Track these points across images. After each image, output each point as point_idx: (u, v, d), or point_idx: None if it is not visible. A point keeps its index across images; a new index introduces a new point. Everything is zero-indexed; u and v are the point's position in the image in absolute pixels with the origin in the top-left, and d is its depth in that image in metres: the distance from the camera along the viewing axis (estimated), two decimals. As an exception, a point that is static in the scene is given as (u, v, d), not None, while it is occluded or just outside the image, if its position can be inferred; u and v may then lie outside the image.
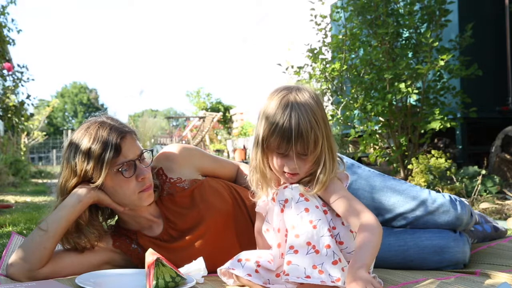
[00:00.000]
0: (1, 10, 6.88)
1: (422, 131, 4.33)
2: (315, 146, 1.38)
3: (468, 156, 5.11)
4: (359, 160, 6.00)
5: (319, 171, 1.41)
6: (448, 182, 3.91)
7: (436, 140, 5.47)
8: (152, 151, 1.77)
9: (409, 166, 4.12)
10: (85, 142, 1.62)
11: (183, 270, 1.58)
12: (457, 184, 3.78)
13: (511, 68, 5.41)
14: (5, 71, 6.67)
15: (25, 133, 10.97)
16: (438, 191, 2.25)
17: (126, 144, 1.65)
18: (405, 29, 4.33)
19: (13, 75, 6.85)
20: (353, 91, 4.35)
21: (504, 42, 5.44)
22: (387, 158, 4.56)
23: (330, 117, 4.55)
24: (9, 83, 6.86)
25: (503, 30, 5.44)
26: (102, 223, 1.79)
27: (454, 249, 1.75)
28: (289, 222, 1.39)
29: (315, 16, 4.46)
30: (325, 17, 4.49)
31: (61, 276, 1.67)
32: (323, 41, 4.51)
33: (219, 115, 11.06)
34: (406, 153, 4.43)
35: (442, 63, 3.89)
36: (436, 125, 4.10)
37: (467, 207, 1.82)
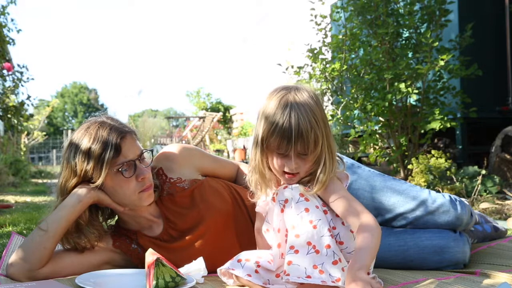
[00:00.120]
0: (1, 10, 6.87)
1: (422, 131, 4.33)
2: (315, 145, 1.38)
3: (468, 156, 5.11)
4: (359, 160, 6.00)
5: (319, 171, 1.41)
6: (448, 182, 3.91)
7: (436, 140, 5.47)
8: (152, 151, 1.77)
9: (409, 166, 4.12)
10: (85, 142, 1.62)
11: (183, 270, 1.58)
12: (457, 184, 3.78)
13: (511, 68, 5.41)
14: (5, 71, 6.67)
15: (25, 133, 10.98)
16: (438, 191, 2.25)
17: (126, 144, 1.65)
18: (405, 29, 4.33)
19: (13, 75, 6.85)
20: (353, 91, 4.35)
21: (504, 42, 5.44)
22: (387, 158, 4.56)
23: (330, 117, 4.56)
24: (9, 83, 6.86)
25: (503, 30, 5.44)
26: (102, 223, 1.79)
27: (454, 249, 1.75)
28: (289, 222, 1.39)
29: (315, 16, 4.46)
30: (325, 17, 4.49)
31: (61, 276, 1.67)
32: (323, 41, 4.51)
33: (219, 115, 11.06)
34: (406, 153, 4.43)
35: (442, 63, 3.89)
36: (436, 125, 4.10)
37: (467, 207, 1.82)
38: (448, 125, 4.13)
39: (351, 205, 1.39)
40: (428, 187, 3.76)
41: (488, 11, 5.45)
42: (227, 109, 16.60)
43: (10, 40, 7.00)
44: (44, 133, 13.40)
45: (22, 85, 6.92)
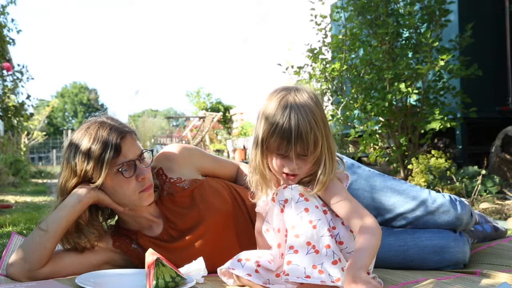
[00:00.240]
0: (1, 10, 6.87)
1: (422, 131, 4.33)
2: (315, 146, 1.38)
3: (468, 156, 5.11)
4: (359, 160, 6.00)
5: (319, 172, 1.41)
6: (448, 182, 3.91)
7: (436, 140, 5.47)
8: (152, 151, 1.77)
9: (409, 166, 4.12)
10: (85, 142, 1.62)
11: (183, 270, 1.58)
12: (457, 184, 3.78)
13: (511, 68, 5.41)
14: (4, 71, 6.67)
15: (25, 133, 10.98)
16: (438, 191, 2.25)
17: (126, 144, 1.65)
18: (405, 29, 4.33)
19: (13, 75, 6.85)
20: (353, 91, 4.35)
21: (504, 42, 5.44)
22: (387, 158, 4.56)
23: (330, 117, 4.56)
24: (9, 83, 6.86)
25: (503, 30, 5.44)
26: (102, 223, 1.79)
27: (454, 249, 1.75)
28: (289, 222, 1.39)
29: (315, 16, 4.46)
30: (325, 17, 4.49)
31: (61, 276, 1.67)
32: (323, 41, 4.51)
33: (219, 115, 11.06)
34: (406, 153, 4.43)
35: (442, 63, 3.89)
36: (436, 125, 4.10)
37: (467, 207, 1.82)
38: (448, 125, 4.13)
39: (354, 208, 1.39)
40: (428, 187, 3.76)
41: (488, 11, 5.45)
42: (227, 109, 16.60)
43: (10, 40, 7.00)
44: (44, 133, 13.40)
45: (22, 86, 6.92)
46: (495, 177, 4.02)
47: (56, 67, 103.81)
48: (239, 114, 15.38)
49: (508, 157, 4.51)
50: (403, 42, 4.41)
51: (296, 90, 1.43)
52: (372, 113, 4.31)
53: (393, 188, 1.83)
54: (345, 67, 4.32)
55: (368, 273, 1.31)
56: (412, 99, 4.37)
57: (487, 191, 3.85)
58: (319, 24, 4.49)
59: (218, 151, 12.47)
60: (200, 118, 10.94)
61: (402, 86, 4.02)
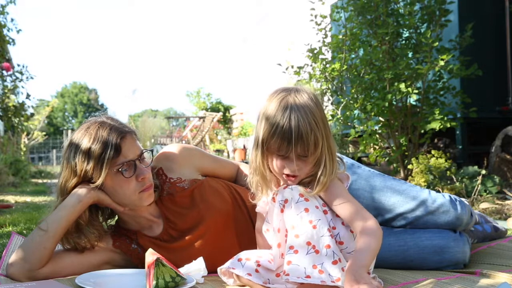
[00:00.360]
0: (1, 9, 6.87)
1: (422, 131, 4.33)
2: (315, 147, 1.38)
3: (468, 156, 5.11)
4: (359, 160, 6.00)
5: (319, 172, 1.41)
6: (448, 182, 3.91)
7: (436, 140, 5.47)
8: (152, 151, 1.77)
9: (409, 166, 4.12)
10: (85, 142, 1.62)
11: (183, 270, 1.58)
12: (457, 184, 3.78)
13: (511, 68, 5.41)
14: (4, 72, 6.67)
15: (25, 133, 10.98)
16: (438, 191, 2.25)
17: (126, 144, 1.65)
18: (405, 29, 4.33)
19: (13, 75, 6.85)
20: (353, 91, 4.35)
21: (504, 42, 5.44)
22: (387, 158, 4.56)
23: (330, 117, 4.56)
24: (8, 83, 6.86)
25: (503, 30, 5.44)
26: (102, 223, 1.79)
27: (454, 249, 1.75)
28: (289, 222, 1.39)
29: (315, 16, 4.46)
30: (325, 17, 4.49)
31: (61, 276, 1.67)
32: (323, 41, 4.51)
33: (219, 115, 11.06)
34: (406, 153, 4.43)
35: (442, 63, 3.89)
36: (436, 125, 4.10)
37: (467, 207, 1.82)
38: (448, 125, 4.13)
39: (357, 210, 1.39)
40: (428, 187, 3.76)
41: (488, 11, 5.45)
42: (227, 109, 16.61)
43: (10, 40, 6.99)
44: (44, 133, 13.40)
45: (22, 86, 6.92)
46: (495, 177, 4.02)
47: (56, 67, 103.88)
48: (239, 114, 15.39)
49: (508, 157, 4.51)
50: (403, 42, 4.41)
51: (296, 91, 1.43)
52: (372, 113, 4.31)
53: (393, 188, 1.83)
54: (345, 67, 4.32)
55: (369, 273, 1.32)
56: (412, 99, 4.37)
57: (487, 191, 3.85)
58: (319, 24, 4.49)
59: (218, 151, 12.47)
60: (200, 118, 10.94)
61: (402, 86, 4.02)
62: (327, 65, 4.44)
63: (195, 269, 1.59)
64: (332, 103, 4.98)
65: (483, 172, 3.90)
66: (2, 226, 3.00)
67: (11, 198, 4.99)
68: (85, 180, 1.65)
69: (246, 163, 2.04)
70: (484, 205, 3.32)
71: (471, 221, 1.84)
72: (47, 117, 14.23)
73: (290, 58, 7.02)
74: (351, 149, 6.89)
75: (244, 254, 1.50)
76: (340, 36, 4.34)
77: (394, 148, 4.45)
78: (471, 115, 4.39)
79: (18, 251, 1.62)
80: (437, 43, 3.97)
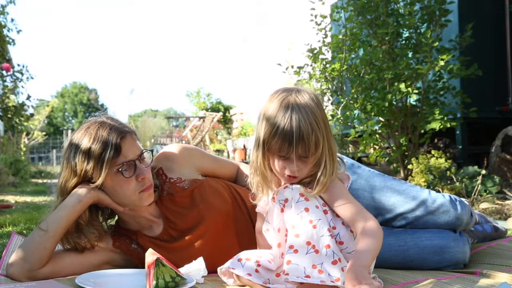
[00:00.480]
0: (1, 9, 6.87)
1: (422, 131, 4.33)
2: (316, 148, 1.38)
3: (468, 156, 5.11)
4: (359, 160, 6.00)
5: (319, 173, 1.41)
6: (448, 182, 3.91)
7: (436, 140, 5.47)
8: (152, 151, 1.77)
9: (409, 166, 4.12)
10: (85, 142, 1.62)
11: (183, 270, 1.58)
12: (457, 184, 3.78)
13: (511, 68, 5.41)
14: (4, 72, 6.67)
15: (25, 133, 10.98)
16: (438, 191, 2.25)
17: (126, 144, 1.65)
18: (405, 29, 4.33)
19: (13, 76, 6.85)
20: (353, 91, 4.35)
21: (504, 42, 5.44)
22: (387, 158, 4.56)
23: (330, 117, 4.56)
24: (9, 83, 6.86)
25: (503, 30, 5.44)
26: (102, 223, 1.79)
27: (454, 249, 1.75)
28: (289, 222, 1.39)
29: (315, 16, 4.46)
30: (325, 17, 4.49)
31: (61, 276, 1.67)
32: (323, 41, 4.51)
33: (219, 115, 11.06)
34: (406, 153, 4.43)
35: (442, 63, 3.89)
36: (436, 125, 4.10)
37: (467, 207, 1.82)
38: (448, 125, 4.13)
39: (358, 211, 1.39)
40: (428, 187, 3.76)
41: (488, 11, 5.45)
42: (227, 109, 16.61)
43: (10, 40, 7.00)
44: (44, 133, 13.40)
45: (22, 86, 6.92)
46: (495, 177, 4.02)
47: (56, 67, 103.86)
48: (239, 114, 15.39)
49: (508, 157, 4.51)
50: (403, 42, 4.41)
51: (297, 91, 1.42)
52: (372, 113, 4.31)
53: (393, 188, 1.83)
54: (345, 67, 4.32)
55: (369, 273, 1.31)
56: (412, 99, 4.37)
57: (487, 191, 3.85)
58: (319, 24, 4.49)
59: (218, 151, 12.47)
60: (200, 118, 10.94)
61: (402, 86, 4.02)
62: (327, 65, 4.44)
63: (195, 269, 1.59)
64: (332, 103, 4.98)
65: (483, 172, 3.90)
66: (2, 226, 3.00)
67: (11, 198, 4.99)
68: (85, 180, 1.65)
69: (246, 163, 2.04)
70: (484, 205, 3.32)
71: (471, 221, 1.84)
72: (47, 117, 14.23)
73: (290, 58, 7.02)
74: (351, 149, 6.89)
75: (244, 254, 1.50)
76: (340, 36, 4.34)
77: (394, 148, 4.45)
78: (471, 115, 4.39)
79: (18, 251, 1.62)
80: (437, 43, 3.97)
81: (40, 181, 8.68)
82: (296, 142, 1.35)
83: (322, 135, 1.39)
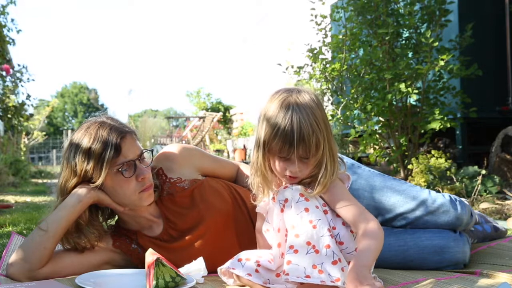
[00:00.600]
0: (1, 10, 6.87)
1: (422, 131, 4.33)
2: (316, 149, 1.38)
3: (468, 156, 5.11)
4: (359, 160, 6.00)
5: (320, 173, 1.40)
6: (448, 182, 3.91)
7: (436, 140, 5.47)
8: (152, 151, 1.77)
9: (409, 166, 4.12)
10: (85, 142, 1.62)
11: (183, 270, 1.58)
12: (457, 184, 3.78)
13: (511, 68, 5.41)
14: (3, 73, 6.67)
15: (24, 133, 10.97)
16: (438, 191, 2.25)
17: (126, 144, 1.65)
18: (405, 29, 4.33)
19: (13, 76, 6.85)
20: (353, 91, 4.35)
21: (504, 42, 5.44)
22: (387, 158, 4.56)
23: (330, 117, 4.56)
24: (9, 83, 6.86)
25: (503, 30, 5.44)
26: (102, 223, 1.79)
27: (454, 249, 1.75)
28: (289, 222, 1.39)
29: (315, 16, 4.46)
30: (325, 17, 4.49)
31: (61, 276, 1.67)
32: (323, 41, 4.51)
33: (219, 115, 11.06)
34: (406, 153, 4.43)
35: (442, 63, 3.89)
36: (436, 125, 4.10)
37: (467, 207, 1.82)
38: (448, 125, 4.13)
39: (360, 213, 1.39)
40: (428, 187, 3.76)
41: (488, 11, 5.45)
42: (227, 109, 16.61)
43: (10, 40, 7.00)
44: (44, 133, 13.40)
45: (22, 86, 6.92)
46: (495, 177, 4.02)
47: (56, 67, 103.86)
48: (239, 114, 15.39)
49: (508, 157, 4.51)
50: (403, 42, 4.41)
51: (298, 91, 1.42)
52: (372, 113, 4.31)
53: (393, 188, 1.83)
54: (345, 67, 4.32)
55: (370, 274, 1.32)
56: (412, 99, 4.37)
57: (487, 191, 3.85)
58: (319, 24, 4.49)
59: (218, 151, 12.47)
60: (200, 118, 10.93)
61: (402, 86, 4.02)
62: (327, 65, 4.44)
63: (195, 269, 1.59)
64: (332, 103, 4.99)
65: (483, 172, 3.90)
66: (2, 226, 3.00)
67: (11, 198, 4.99)
68: (85, 180, 1.65)
69: (246, 163, 2.04)
70: (484, 205, 3.32)
71: (471, 221, 1.84)
72: (47, 117, 14.23)
73: (290, 58, 7.02)
74: (351, 149, 6.89)
75: (244, 254, 1.50)
76: (340, 36, 4.34)
77: (394, 148, 4.45)
78: (471, 115, 4.39)
79: (18, 251, 1.62)
80: (437, 43, 3.96)
81: (40, 181, 8.68)
82: (296, 143, 1.35)
83: (323, 136, 1.38)
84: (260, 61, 13.96)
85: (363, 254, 1.31)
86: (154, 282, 1.44)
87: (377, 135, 4.49)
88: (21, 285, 1.50)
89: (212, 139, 13.62)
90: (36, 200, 4.88)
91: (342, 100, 4.54)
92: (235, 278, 1.51)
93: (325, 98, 5.27)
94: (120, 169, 1.63)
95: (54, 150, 22.27)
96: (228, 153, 12.36)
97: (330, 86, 4.62)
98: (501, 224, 2.33)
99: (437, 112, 4.13)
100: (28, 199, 5.03)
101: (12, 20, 7.12)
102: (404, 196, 1.81)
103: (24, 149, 10.77)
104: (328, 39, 4.54)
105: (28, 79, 6.93)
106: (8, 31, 6.98)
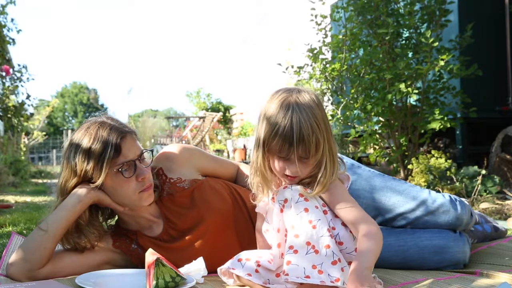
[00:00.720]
0: (1, 9, 6.87)
1: (422, 131, 4.33)
2: (316, 149, 1.38)
3: (468, 156, 5.11)
4: (359, 160, 6.00)
5: (320, 174, 1.40)
6: (448, 182, 3.91)
7: (436, 140, 5.47)
8: (152, 151, 1.77)
9: (409, 166, 4.12)
10: (85, 142, 1.62)
11: (183, 270, 1.58)
12: (457, 184, 3.78)
13: (511, 68, 5.41)
14: (3, 73, 6.67)
15: (24, 133, 10.98)
16: (438, 191, 2.25)
17: (126, 144, 1.65)
18: (405, 29, 4.33)
19: (13, 76, 6.85)
20: (353, 91, 4.35)
21: (504, 42, 5.44)
22: (387, 158, 4.56)
23: (330, 117, 4.56)
24: (9, 83, 6.86)
25: (503, 30, 5.44)
26: (102, 223, 1.79)
27: (454, 249, 1.75)
28: (289, 222, 1.39)
29: (315, 16, 4.46)
30: (325, 17, 4.49)
31: (61, 276, 1.67)
32: (323, 41, 4.51)
33: (219, 115, 11.06)
34: (406, 153, 4.43)
35: (442, 63, 3.89)
36: (436, 125, 4.10)
37: (467, 207, 1.82)
38: (448, 125, 4.13)
39: (360, 214, 1.39)
40: (428, 187, 3.76)
41: (488, 11, 5.45)
42: (227, 109, 16.61)
43: (10, 40, 6.99)
44: (44, 133, 13.41)
45: (21, 86, 6.92)
46: (495, 177, 4.02)
47: (56, 67, 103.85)
48: (239, 114, 15.39)
49: (508, 157, 4.52)
50: (403, 42, 4.41)
51: (298, 91, 1.42)
52: (372, 113, 4.32)
53: (393, 188, 1.83)
54: (345, 67, 4.32)
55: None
56: (412, 99, 4.37)
57: (487, 191, 3.85)
58: (319, 24, 4.49)
59: (218, 151, 12.47)
60: (200, 118, 10.93)
61: (402, 86, 4.02)
62: (327, 65, 4.44)
63: (195, 269, 1.59)
64: (332, 103, 4.99)
65: (483, 172, 3.90)
66: (2, 226, 3.00)
67: (11, 198, 4.99)
68: (85, 180, 1.65)
69: (246, 163, 2.04)
70: (484, 205, 3.32)
71: (471, 221, 1.84)
72: (47, 117, 14.24)
73: (290, 58, 7.02)
74: (351, 149, 6.89)
75: (244, 254, 1.50)
76: (340, 36, 4.34)
77: (394, 148, 4.45)
78: (471, 115, 4.39)
79: (18, 251, 1.62)
80: (437, 43, 3.96)
81: (40, 181, 8.68)
82: (296, 143, 1.35)
83: (323, 136, 1.38)
84: (260, 61, 13.97)
85: (364, 255, 1.31)
86: (154, 282, 1.44)
87: (377, 135, 4.50)
88: (21, 285, 1.50)
89: (212, 139, 13.62)
90: (36, 200, 4.88)
91: (342, 100, 4.54)
92: (235, 278, 1.51)
93: (325, 98, 5.27)
94: (120, 169, 1.63)
95: (54, 150, 22.27)
96: (228, 153, 12.37)
97: (330, 86, 4.62)
98: (501, 224, 2.33)
99: (437, 112, 4.13)
100: (28, 199, 5.03)
101: (12, 20, 7.12)
102: (404, 196, 1.81)
103: (24, 149, 10.77)
104: (328, 39, 4.54)
105: (28, 78, 6.93)
106: (8, 31, 6.98)
